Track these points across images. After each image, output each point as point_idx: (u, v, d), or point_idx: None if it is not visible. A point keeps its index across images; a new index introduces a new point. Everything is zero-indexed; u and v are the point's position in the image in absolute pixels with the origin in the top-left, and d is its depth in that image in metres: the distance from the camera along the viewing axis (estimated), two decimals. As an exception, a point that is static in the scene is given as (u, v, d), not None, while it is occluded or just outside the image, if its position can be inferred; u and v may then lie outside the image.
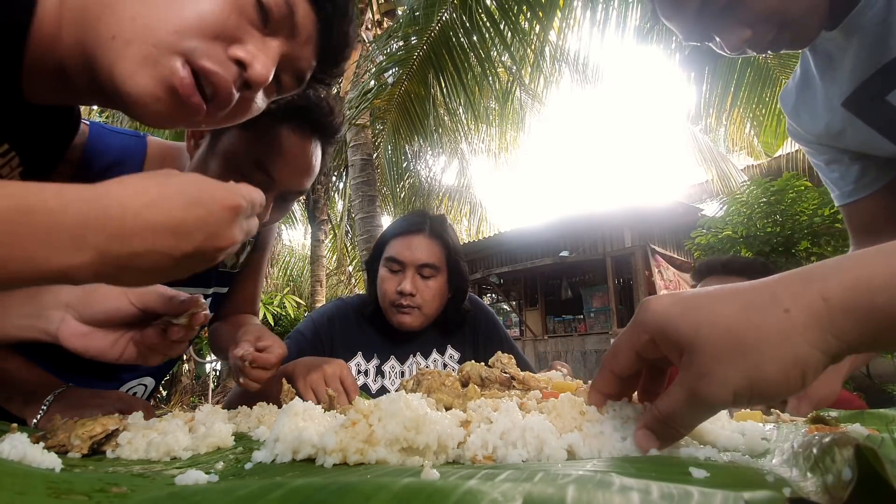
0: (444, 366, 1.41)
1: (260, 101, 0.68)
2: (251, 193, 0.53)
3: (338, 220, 10.48)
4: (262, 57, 0.61)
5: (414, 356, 1.40)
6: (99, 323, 0.65)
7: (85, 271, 0.43)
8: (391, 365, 1.37)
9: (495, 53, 5.42)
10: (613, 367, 0.48)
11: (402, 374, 1.37)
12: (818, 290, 0.36)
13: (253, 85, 0.62)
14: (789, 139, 6.32)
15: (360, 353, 1.37)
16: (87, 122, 0.91)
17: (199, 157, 0.91)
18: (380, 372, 1.36)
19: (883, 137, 0.93)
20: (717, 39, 0.87)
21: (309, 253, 10.24)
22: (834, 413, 0.67)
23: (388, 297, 1.33)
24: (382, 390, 1.33)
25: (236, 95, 0.62)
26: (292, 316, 10.92)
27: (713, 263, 1.57)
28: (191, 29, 0.56)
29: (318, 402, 0.90)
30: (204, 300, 0.68)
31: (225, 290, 1.15)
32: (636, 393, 0.50)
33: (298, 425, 0.45)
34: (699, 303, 0.40)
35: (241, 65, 0.60)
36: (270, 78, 0.63)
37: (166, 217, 0.46)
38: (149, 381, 1.09)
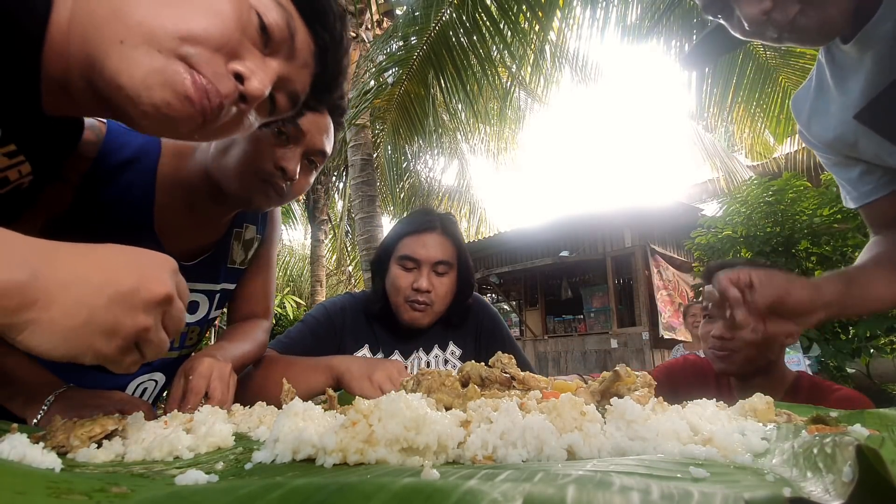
0: (446, 361, 1.42)
1: (253, 118, 0.70)
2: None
3: (338, 220, 10.49)
4: (260, 73, 0.64)
5: (417, 352, 1.41)
6: None
7: (11, 295, 0.42)
8: (395, 359, 1.38)
9: (495, 53, 5.41)
10: None
11: (405, 368, 1.38)
12: None
13: (249, 99, 0.64)
14: (789, 139, 6.33)
15: (366, 346, 1.39)
16: (105, 121, 0.92)
17: None
18: None
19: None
20: (737, 12, 0.85)
21: (309, 253, 10.26)
22: (834, 413, 0.67)
23: (403, 293, 1.34)
24: None
25: (229, 107, 0.64)
26: (291, 317, 10.91)
27: (729, 267, 1.53)
28: (194, 38, 0.58)
29: None
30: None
31: (233, 286, 1.15)
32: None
33: (298, 425, 0.45)
34: None
35: (239, 78, 0.63)
36: (266, 93, 0.65)
37: (97, 254, 0.48)
38: (159, 376, 1.09)
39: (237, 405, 0.77)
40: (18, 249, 0.44)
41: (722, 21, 0.90)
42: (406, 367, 1.38)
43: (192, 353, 1.01)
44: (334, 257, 11.20)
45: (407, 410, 0.42)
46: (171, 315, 0.52)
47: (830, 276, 1.01)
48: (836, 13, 0.81)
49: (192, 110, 0.59)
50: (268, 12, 0.64)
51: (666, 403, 0.59)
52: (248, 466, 0.43)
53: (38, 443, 0.45)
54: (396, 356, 1.39)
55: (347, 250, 10.97)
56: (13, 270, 0.42)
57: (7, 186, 0.66)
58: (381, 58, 6.05)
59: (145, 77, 0.56)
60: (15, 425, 0.52)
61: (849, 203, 1.12)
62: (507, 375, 0.76)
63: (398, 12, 6.69)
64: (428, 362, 1.41)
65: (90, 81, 0.58)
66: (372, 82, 6.01)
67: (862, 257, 1.10)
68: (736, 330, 0.96)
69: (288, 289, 13.15)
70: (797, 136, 1.16)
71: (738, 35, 0.89)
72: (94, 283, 0.46)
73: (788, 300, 0.91)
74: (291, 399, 0.59)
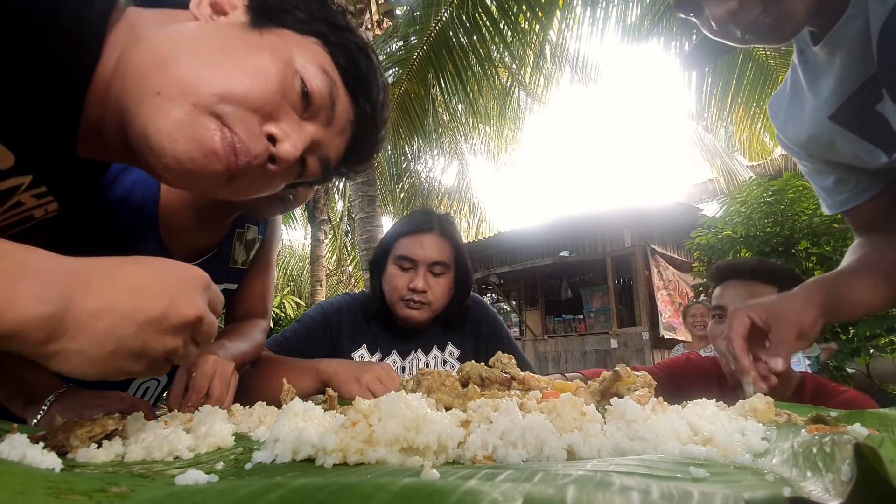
0: (444, 362, 1.42)
1: (281, 179, 0.70)
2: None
3: (338, 220, 10.48)
4: (294, 137, 0.63)
5: (415, 352, 1.41)
6: None
7: (41, 328, 0.42)
8: (392, 360, 1.39)
9: (495, 53, 5.42)
10: None
11: (403, 369, 1.39)
12: None
13: (279, 161, 0.63)
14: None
15: (364, 346, 1.39)
16: None
17: None
18: None
19: (874, 147, 0.92)
20: (706, 11, 0.85)
21: (309, 253, 10.25)
22: (834, 413, 0.67)
23: (399, 293, 1.35)
24: None
25: (260, 167, 0.63)
26: (291, 317, 10.91)
27: (739, 267, 1.45)
28: (234, 98, 0.58)
29: None
30: None
31: (234, 286, 1.16)
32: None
33: (298, 425, 0.45)
34: None
35: (271, 139, 0.62)
36: (297, 157, 0.64)
37: (128, 275, 0.48)
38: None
39: (237, 405, 0.77)
40: (49, 277, 0.44)
41: (693, 19, 0.91)
42: (404, 368, 1.38)
43: None
44: (334, 257, 11.20)
45: (407, 410, 0.42)
46: (201, 331, 0.53)
47: (816, 285, 1.03)
48: (798, 9, 0.81)
49: (217, 167, 0.58)
50: (312, 79, 0.63)
51: (666, 403, 0.59)
52: (248, 466, 0.43)
53: (38, 443, 0.45)
54: (394, 356, 1.39)
55: (347, 250, 10.97)
56: (43, 303, 0.42)
57: (31, 222, 0.66)
58: (381, 58, 6.05)
59: (172, 129, 0.56)
60: (15, 425, 0.52)
61: (826, 210, 1.13)
62: (507, 375, 0.77)
63: (398, 12, 6.69)
64: (426, 363, 1.41)
65: (123, 129, 0.59)
66: (372, 82, 6.00)
67: (845, 261, 1.11)
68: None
69: (288, 289, 13.14)
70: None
71: (706, 33, 0.90)
72: (124, 311, 0.46)
73: (803, 331, 0.94)
74: (291, 399, 0.59)
